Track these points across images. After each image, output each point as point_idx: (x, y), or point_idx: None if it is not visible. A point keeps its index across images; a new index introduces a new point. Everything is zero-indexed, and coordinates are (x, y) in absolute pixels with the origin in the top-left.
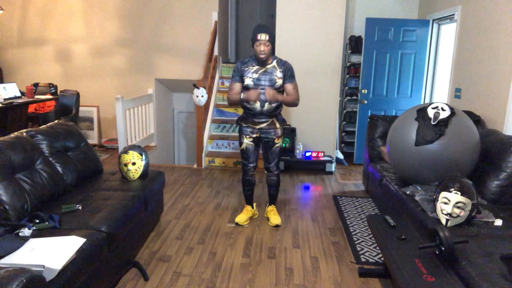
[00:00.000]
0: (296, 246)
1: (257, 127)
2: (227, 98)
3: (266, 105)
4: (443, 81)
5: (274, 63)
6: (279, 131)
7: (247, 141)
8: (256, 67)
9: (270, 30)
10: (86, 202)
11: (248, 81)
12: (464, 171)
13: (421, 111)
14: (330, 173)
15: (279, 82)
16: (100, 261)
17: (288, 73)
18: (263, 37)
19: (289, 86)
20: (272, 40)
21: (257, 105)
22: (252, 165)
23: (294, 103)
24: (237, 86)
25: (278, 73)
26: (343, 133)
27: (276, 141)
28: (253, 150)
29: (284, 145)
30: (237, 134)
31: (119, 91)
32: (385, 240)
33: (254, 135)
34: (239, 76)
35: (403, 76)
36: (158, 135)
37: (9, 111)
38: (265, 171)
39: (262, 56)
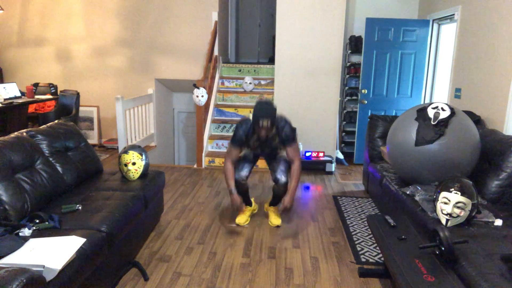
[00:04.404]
0: (296, 246)
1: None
2: (224, 163)
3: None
4: (443, 81)
5: (274, 130)
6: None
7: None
8: (256, 137)
9: (272, 112)
10: (86, 202)
11: (247, 152)
12: (464, 171)
13: (421, 111)
14: (330, 173)
15: (280, 147)
16: (100, 261)
17: (288, 138)
18: (265, 123)
19: (289, 150)
20: (273, 122)
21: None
22: (244, 173)
23: (300, 172)
24: (236, 152)
25: (279, 140)
26: (343, 133)
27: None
28: (250, 161)
29: None
30: None
31: (119, 91)
32: (385, 240)
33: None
34: (239, 145)
35: (403, 76)
36: (158, 135)
37: (9, 111)
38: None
39: (263, 138)
